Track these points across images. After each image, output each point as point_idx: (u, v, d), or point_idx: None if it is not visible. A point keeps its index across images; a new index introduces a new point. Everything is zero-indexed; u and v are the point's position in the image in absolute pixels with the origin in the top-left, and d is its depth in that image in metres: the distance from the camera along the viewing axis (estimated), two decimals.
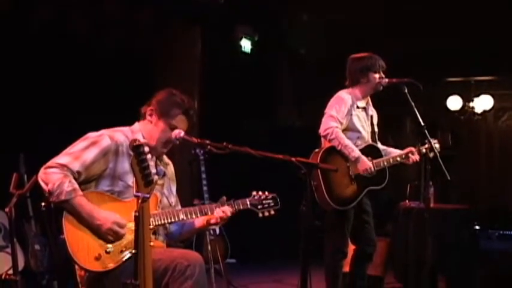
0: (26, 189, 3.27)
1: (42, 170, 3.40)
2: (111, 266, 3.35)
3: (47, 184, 3.35)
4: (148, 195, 2.84)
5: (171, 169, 3.93)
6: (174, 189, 3.92)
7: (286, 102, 10.96)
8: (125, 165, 3.56)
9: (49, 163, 3.41)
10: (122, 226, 3.38)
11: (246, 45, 9.52)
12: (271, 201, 3.95)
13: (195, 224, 3.84)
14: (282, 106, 10.86)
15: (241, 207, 3.85)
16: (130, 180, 3.51)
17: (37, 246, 6.76)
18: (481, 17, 9.03)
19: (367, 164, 5.31)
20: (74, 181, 3.37)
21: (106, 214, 3.38)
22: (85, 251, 3.33)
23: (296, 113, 10.95)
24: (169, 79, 8.03)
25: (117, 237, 3.37)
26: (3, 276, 6.09)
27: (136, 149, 2.82)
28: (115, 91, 7.72)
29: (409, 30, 9.49)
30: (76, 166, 3.41)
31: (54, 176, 3.34)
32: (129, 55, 8.13)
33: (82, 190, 3.44)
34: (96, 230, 3.35)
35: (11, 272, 3.35)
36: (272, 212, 3.94)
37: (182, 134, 3.67)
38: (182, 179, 4.31)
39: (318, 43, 10.21)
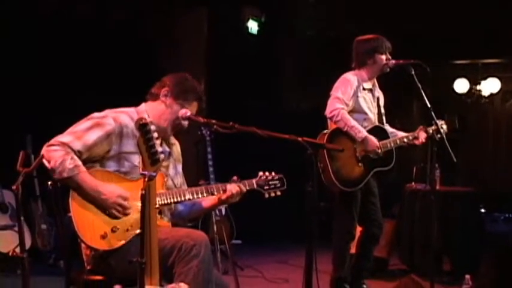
0: (33, 167, 3.27)
1: (44, 148, 3.40)
2: (117, 244, 3.36)
3: (49, 162, 3.35)
4: (154, 174, 2.85)
5: (177, 149, 3.92)
6: (180, 169, 3.92)
7: (292, 84, 10.94)
8: (130, 146, 3.55)
9: (51, 141, 3.41)
10: (126, 198, 3.38)
11: (252, 26, 9.49)
12: (277, 182, 3.95)
13: (207, 203, 3.85)
14: (288, 87, 10.84)
15: (248, 187, 3.85)
16: (137, 160, 3.50)
17: (44, 226, 6.81)
18: None
19: (375, 142, 5.31)
20: (76, 158, 3.36)
21: (111, 188, 3.38)
22: (91, 229, 3.33)
23: (302, 95, 10.94)
24: (175, 60, 8.04)
25: (123, 211, 3.38)
26: (10, 253, 6.15)
27: (142, 127, 2.82)
28: (121, 73, 7.72)
29: (416, 11, 9.45)
30: (77, 145, 3.40)
31: (56, 153, 3.34)
32: (135, 36, 8.13)
33: (87, 169, 3.45)
34: (102, 205, 3.35)
35: (18, 250, 3.35)
36: (278, 193, 3.94)
37: (188, 113, 3.66)
38: (188, 159, 4.31)
39: (324, 25, 10.18)
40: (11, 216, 6.51)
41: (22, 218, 3.45)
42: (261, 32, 9.60)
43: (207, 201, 3.84)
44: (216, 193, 3.74)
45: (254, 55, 9.45)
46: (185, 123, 3.71)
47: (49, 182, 3.38)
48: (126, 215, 3.40)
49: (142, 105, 3.76)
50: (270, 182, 3.93)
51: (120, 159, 3.54)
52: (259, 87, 9.50)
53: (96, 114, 3.56)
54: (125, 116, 3.61)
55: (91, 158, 3.49)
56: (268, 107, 9.54)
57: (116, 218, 3.38)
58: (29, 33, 7.11)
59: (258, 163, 4.07)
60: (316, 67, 10.45)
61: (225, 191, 3.74)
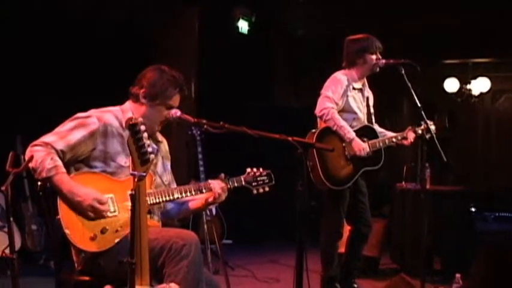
0: (22, 167, 3.27)
1: (28, 148, 3.41)
2: (107, 245, 3.34)
3: (31, 161, 3.35)
4: (144, 174, 2.84)
5: (164, 147, 3.91)
6: (168, 166, 3.92)
7: (284, 83, 10.96)
8: (115, 145, 3.55)
9: (35, 141, 3.42)
10: (102, 203, 3.36)
11: (243, 26, 9.49)
12: (265, 177, 3.96)
13: (194, 205, 3.84)
14: (279, 87, 10.85)
15: (236, 184, 3.85)
16: (123, 160, 3.52)
17: (34, 226, 6.79)
18: None
19: (360, 145, 5.33)
20: (56, 158, 3.36)
21: (86, 190, 3.35)
22: (80, 231, 3.32)
23: (294, 94, 10.96)
24: (166, 59, 7.99)
25: (97, 214, 3.34)
26: (0, 254, 6.12)
27: (132, 127, 2.82)
28: (113, 71, 7.69)
29: (407, 11, 9.48)
30: (60, 145, 3.40)
31: (38, 153, 3.34)
32: (127, 35, 8.11)
33: (75, 170, 3.47)
34: (77, 207, 3.32)
35: (8, 251, 3.35)
36: (266, 189, 3.94)
37: (179, 113, 3.64)
38: (179, 159, 4.31)
39: (314, 24, 10.20)
40: (0, 217, 6.48)
41: (12, 219, 3.45)
42: (251, 31, 9.59)
43: (195, 203, 3.84)
44: (204, 191, 3.74)
45: (245, 55, 9.44)
46: (170, 117, 3.68)
47: (38, 183, 3.37)
48: (100, 218, 3.37)
49: (127, 104, 3.73)
50: (258, 178, 3.93)
51: (106, 159, 3.53)
52: (251, 86, 9.49)
53: (80, 114, 3.56)
54: (110, 115, 3.61)
55: (76, 158, 3.49)
56: (260, 106, 9.53)
57: (92, 220, 3.35)
58: (21, 32, 7.07)
59: (249, 162, 4.06)
60: (308, 66, 10.47)
61: (210, 189, 3.74)
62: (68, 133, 3.45)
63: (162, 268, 3.31)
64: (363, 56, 5.50)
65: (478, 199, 8.71)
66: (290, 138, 3.40)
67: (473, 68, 11.12)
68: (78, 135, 3.46)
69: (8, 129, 6.79)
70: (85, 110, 3.63)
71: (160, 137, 3.88)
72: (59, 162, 3.36)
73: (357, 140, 5.34)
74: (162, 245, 3.32)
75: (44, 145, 3.38)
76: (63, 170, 3.36)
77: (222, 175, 3.82)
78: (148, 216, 3.48)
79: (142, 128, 2.84)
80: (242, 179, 3.89)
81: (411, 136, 5.51)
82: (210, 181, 3.78)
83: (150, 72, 3.70)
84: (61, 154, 3.40)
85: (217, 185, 3.76)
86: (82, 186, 3.36)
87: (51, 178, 3.32)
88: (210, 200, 3.77)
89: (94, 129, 3.50)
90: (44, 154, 3.34)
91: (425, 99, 5.68)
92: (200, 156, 6.86)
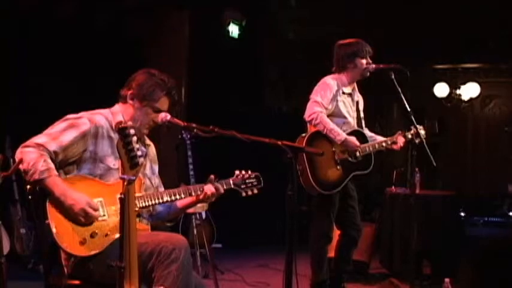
0: (11, 170, 3.26)
1: (19, 149, 3.39)
2: (96, 249, 3.34)
3: (22, 163, 3.33)
4: (134, 178, 2.84)
5: (152, 150, 3.92)
6: (156, 170, 3.92)
7: (274, 87, 10.96)
8: (105, 148, 3.56)
9: (27, 142, 3.40)
10: (94, 208, 3.36)
11: (233, 30, 9.50)
12: (254, 180, 3.96)
13: (185, 201, 3.83)
14: (270, 90, 10.85)
15: (225, 186, 3.85)
16: (112, 163, 3.53)
17: (23, 230, 6.76)
18: (468, 5, 9.05)
19: (355, 142, 5.33)
20: (49, 160, 3.35)
21: (79, 195, 3.34)
22: (70, 235, 3.31)
23: (284, 97, 10.96)
24: (156, 62, 8.00)
25: (88, 219, 3.34)
26: None
27: (122, 131, 2.81)
28: (103, 74, 7.68)
29: (397, 16, 9.50)
30: (52, 146, 3.39)
31: (30, 155, 3.33)
32: (117, 38, 8.10)
33: (65, 174, 3.47)
34: (68, 211, 3.31)
35: None
36: (255, 191, 3.95)
37: (168, 117, 3.64)
38: (169, 163, 4.31)
39: (305, 27, 10.21)
40: None
41: (0, 222, 3.44)
42: (242, 35, 9.60)
43: (185, 199, 3.83)
44: (193, 194, 3.75)
45: (235, 58, 9.44)
46: (158, 121, 3.69)
47: (28, 186, 3.36)
48: (91, 223, 3.37)
49: (117, 106, 3.74)
50: (247, 181, 3.94)
51: (95, 161, 3.53)
52: (241, 90, 9.49)
53: (71, 116, 3.56)
54: (100, 117, 3.62)
55: (67, 160, 3.48)
56: (250, 110, 9.53)
57: (83, 225, 3.34)
58: (10, 32, 7.05)
59: (239, 166, 4.06)
60: (298, 70, 10.48)
61: (202, 191, 3.74)
62: (60, 134, 3.45)
63: (151, 272, 3.31)
64: (353, 61, 5.49)
65: (468, 204, 8.73)
66: (280, 143, 3.40)
67: (463, 73, 11.18)
68: (70, 136, 3.45)
69: None
70: (75, 111, 3.63)
71: (148, 141, 3.89)
72: (52, 165, 3.35)
73: (349, 138, 5.33)
74: (152, 249, 3.31)
75: (36, 146, 3.36)
76: (56, 172, 3.35)
77: (212, 176, 3.82)
78: (137, 219, 3.47)
79: (132, 131, 2.84)
80: (231, 181, 3.90)
81: (401, 141, 5.52)
82: (198, 186, 3.79)
83: (140, 75, 3.72)
84: (53, 155, 3.39)
85: (209, 189, 3.76)
86: (75, 190, 3.35)
87: (44, 180, 3.30)
88: (201, 197, 3.78)
89: (85, 130, 3.50)
90: (36, 156, 3.33)
91: (415, 104, 5.69)
92: (190, 160, 6.85)
